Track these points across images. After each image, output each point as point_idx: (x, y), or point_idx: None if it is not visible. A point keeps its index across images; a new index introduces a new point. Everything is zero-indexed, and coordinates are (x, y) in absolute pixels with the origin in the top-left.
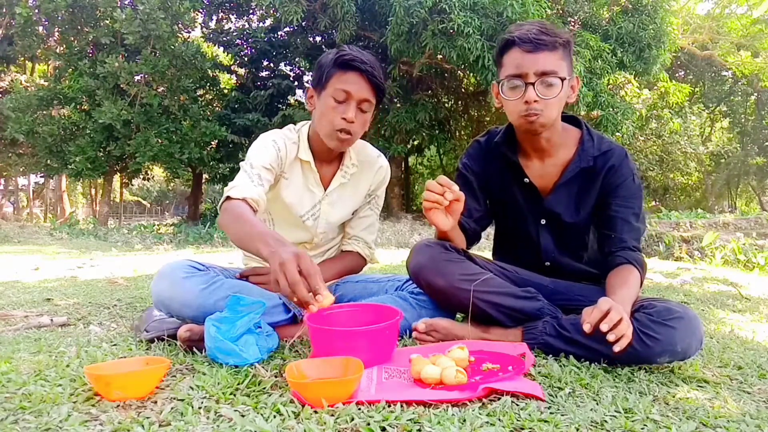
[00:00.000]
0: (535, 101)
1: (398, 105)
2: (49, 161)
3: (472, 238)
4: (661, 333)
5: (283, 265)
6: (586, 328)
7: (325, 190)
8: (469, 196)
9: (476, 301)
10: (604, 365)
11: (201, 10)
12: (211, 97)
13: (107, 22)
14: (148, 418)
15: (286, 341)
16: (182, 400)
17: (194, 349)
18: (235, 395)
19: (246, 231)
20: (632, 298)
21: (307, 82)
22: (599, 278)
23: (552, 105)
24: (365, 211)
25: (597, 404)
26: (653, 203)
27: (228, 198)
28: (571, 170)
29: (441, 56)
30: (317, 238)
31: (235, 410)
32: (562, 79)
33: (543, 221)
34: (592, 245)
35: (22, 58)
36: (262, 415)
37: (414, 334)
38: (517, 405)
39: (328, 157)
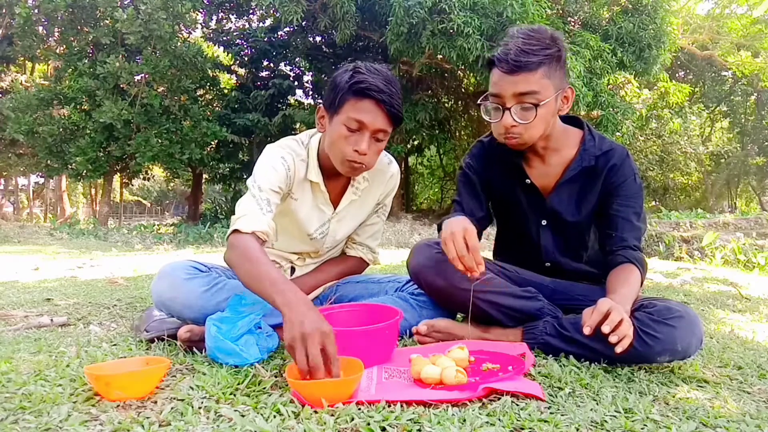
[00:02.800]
0: (513, 126)
1: None
2: (49, 161)
3: None
4: (662, 332)
5: (306, 339)
6: (586, 331)
7: (335, 208)
8: (472, 196)
9: (476, 301)
10: (604, 365)
11: (201, 10)
12: (211, 97)
13: (107, 22)
14: (148, 418)
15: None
16: (182, 400)
17: (194, 349)
18: (235, 395)
19: (255, 274)
20: (633, 296)
21: (307, 82)
22: (600, 278)
23: (532, 126)
24: (372, 219)
25: (597, 404)
26: (653, 203)
27: (236, 231)
28: (572, 169)
29: (441, 56)
30: (322, 251)
31: (235, 410)
32: (536, 105)
33: (544, 222)
34: (592, 245)
35: (22, 58)
36: (262, 415)
37: (416, 337)
38: (517, 405)
39: (338, 174)
